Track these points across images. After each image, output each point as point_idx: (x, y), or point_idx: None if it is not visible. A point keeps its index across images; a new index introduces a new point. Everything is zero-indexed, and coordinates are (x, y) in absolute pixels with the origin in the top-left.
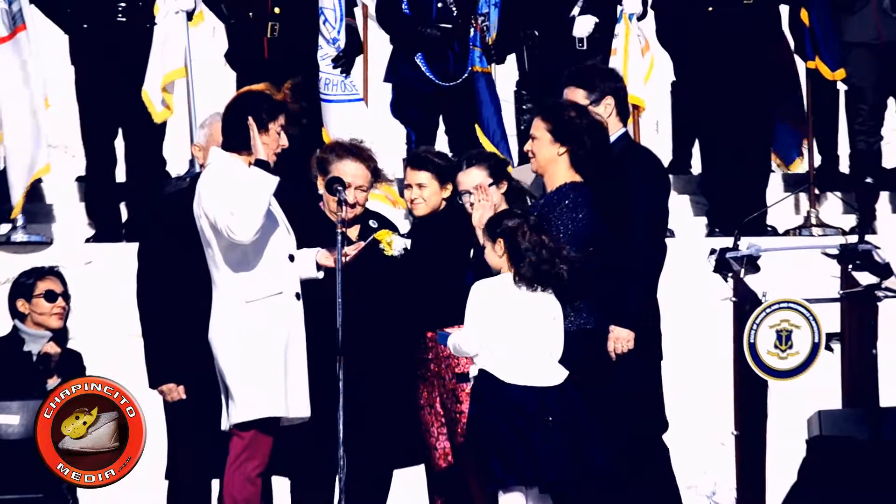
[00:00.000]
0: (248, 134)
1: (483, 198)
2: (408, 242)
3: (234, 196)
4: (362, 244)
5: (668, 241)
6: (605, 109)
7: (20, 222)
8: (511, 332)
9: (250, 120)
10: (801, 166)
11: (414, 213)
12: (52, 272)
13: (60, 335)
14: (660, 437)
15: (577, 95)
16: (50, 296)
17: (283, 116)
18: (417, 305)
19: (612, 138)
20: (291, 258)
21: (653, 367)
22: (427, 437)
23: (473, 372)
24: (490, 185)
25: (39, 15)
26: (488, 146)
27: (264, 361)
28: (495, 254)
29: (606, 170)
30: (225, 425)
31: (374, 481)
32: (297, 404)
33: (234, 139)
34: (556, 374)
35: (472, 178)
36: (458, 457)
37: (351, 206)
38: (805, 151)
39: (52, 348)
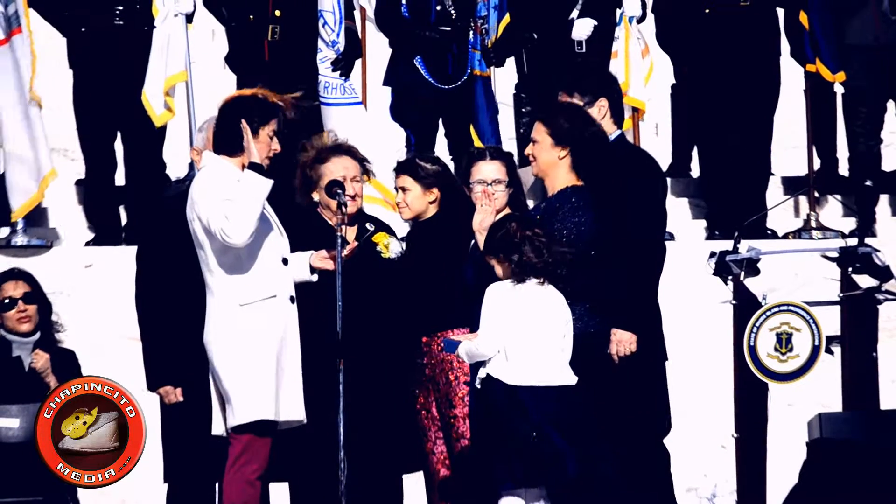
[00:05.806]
0: (241, 137)
1: (486, 202)
2: (405, 245)
3: (227, 199)
4: (356, 243)
5: (667, 244)
6: (599, 111)
7: (20, 226)
8: (527, 333)
9: (243, 123)
10: None
11: (401, 217)
12: (12, 275)
13: (45, 338)
14: (662, 440)
15: (570, 99)
16: (7, 304)
17: (276, 121)
18: (413, 309)
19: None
20: (285, 261)
21: (657, 368)
22: (424, 441)
23: (481, 375)
24: (501, 182)
25: (37, 17)
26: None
27: (257, 365)
28: (499, 267)
29: (606, 173)
30: (216, 430)
31: (382, 487)
32: (291, 407)
33: (227, 142)
34: (566, 376)
35: (490, 170)
36: (455, 461)
37: (352, 199)
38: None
39: (39, 360)
